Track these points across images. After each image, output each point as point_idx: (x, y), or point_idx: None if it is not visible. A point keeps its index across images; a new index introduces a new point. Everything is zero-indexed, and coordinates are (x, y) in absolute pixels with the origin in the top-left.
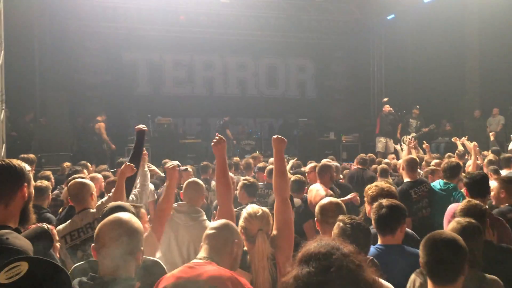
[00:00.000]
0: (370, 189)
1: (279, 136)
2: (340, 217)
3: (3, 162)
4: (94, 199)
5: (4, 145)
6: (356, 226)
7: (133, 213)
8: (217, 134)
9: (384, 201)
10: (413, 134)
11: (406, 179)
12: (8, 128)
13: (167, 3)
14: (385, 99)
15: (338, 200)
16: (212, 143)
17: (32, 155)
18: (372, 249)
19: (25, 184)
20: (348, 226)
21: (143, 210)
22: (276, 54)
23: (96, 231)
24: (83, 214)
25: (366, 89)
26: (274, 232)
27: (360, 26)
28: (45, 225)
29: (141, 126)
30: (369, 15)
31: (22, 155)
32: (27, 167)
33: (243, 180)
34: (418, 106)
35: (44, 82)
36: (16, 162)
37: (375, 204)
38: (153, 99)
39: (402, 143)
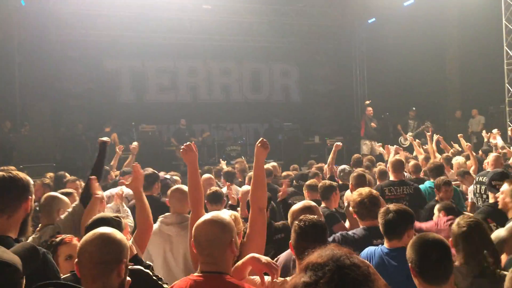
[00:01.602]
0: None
1: (264, 142)
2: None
3: (11, 174)
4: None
5: None
6: (312, 225)
7: (116, 224)
8: (191, 143)
9: (391, 206)
10: (410, 134)
11: (390, 179)
12: None
13: (148, 9)
14: (367, 101)
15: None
16: (181, 151)
17: (12, 167)
18: (378, 250)
19: (30, 197)
20: (302, 225)
21: (124, 221)
22: (259, 59)
23: (78, 246)
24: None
25: (349, 92)
26: (245, 239)
27: (342, 30)
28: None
29: (104, 138)
30: (350, 19)
31: (2, 168)
32: (31, 181)
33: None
34: (414, 108)
35: (25, 92)
36: (22, 174)
37: (383, 209)
38: (136, 107)
39: (401, 143)
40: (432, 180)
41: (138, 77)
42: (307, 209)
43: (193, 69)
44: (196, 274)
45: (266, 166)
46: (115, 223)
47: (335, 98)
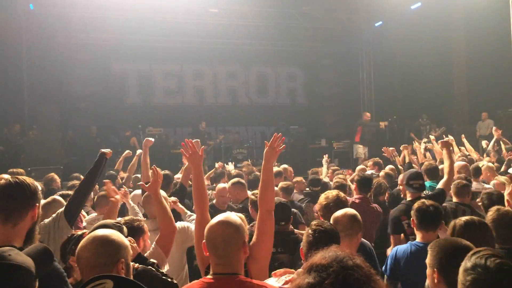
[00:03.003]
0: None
1: (274, 147)
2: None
3: (17, 180)
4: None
5: None
6: (324, 232)
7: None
8: (191, 142)
9: (427, 202)
10: (425, 140)
11: None
12: None
13: (155, 13)
14: (368, 114)
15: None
16: (188, 155)
17: (21, 170)
18: (413, 247)
19: (37, 204)
20: (314, 233)
21: (144, 225)
22: (266, 63)
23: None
24: None
25: (355, 95)
26: (254, 240)
27: (348, 34)
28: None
29: (106, 150)
30: (357, 23)
31: (10, 170)
32: (39, 187)
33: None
34: (424, 115)
35: (33, 95)
36: (30, 180)
37: (420, 203)
38: (143, 110)
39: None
40: (429, 181)
41: (145, 81)
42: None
43: (199, 73)
44: (209, 276)
45: (277, 168)
46: (116, 229)
47: (342, 101)
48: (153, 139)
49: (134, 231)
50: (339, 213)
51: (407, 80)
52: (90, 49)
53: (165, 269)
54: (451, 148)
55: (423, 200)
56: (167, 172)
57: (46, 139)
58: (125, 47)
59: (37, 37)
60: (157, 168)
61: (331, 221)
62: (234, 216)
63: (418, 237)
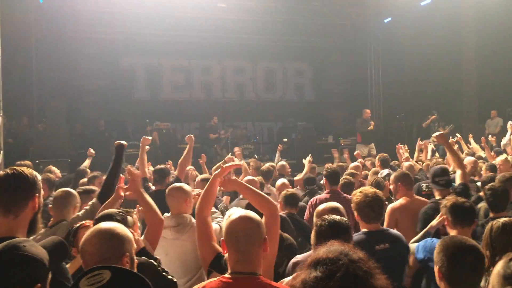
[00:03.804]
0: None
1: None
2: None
3: (15, 171)
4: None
5: (1, 152)
6: (333, 224)
7: (121, 220)
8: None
9: (459, 198)
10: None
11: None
12: (5, 135)
13: (164, 7)
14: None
15: None
16: (222, 182)
17: (28, 162)
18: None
19: (37, 194)
20: (323, 224)
21: (134, 216)
22: (273, 58)
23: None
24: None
25: (363, 92)
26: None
27: (357, 30)
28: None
29: (122, 142)
30: (366, 19)
31: (18, 162)
32: (38, 177)
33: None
34: (434, 112)
35: (41, 88)
36: (28, 171)
37: (453, 199)
38: (151, 104)
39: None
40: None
41: (153, 75)
42: (333, 210)
43: (207, 67)
44: (227, 275)
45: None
46: (119, 218)
47: (350, 97)
48: (150, 138)
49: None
50: (321, 206)
51: (416, 77)
52: (98, 43)
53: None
54: (458, 145)
55: (454, 197)
56: (162, 166)
57: (54, 132)
58: (134, 42)
59: (46, 31)
60: (132, 169)
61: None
62: (253, 213)
63: (453, 234)
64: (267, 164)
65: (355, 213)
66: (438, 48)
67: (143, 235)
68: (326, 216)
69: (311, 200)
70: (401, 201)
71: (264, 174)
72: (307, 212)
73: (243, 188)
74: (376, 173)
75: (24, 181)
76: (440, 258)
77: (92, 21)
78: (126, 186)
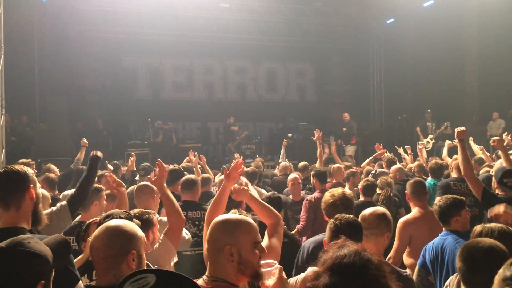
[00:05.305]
0: None
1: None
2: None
3: (6, 169)
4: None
5: (3, 150)
6: (347, 223)
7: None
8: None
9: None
10: (431, 136)
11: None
12: (7, 133)
13: (166, 7)
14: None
15: None
16: (232, 192)
17: (30, 160)
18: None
19: (31, 185)
20: (338, 223)
21: (154, 218)
22: (275, 58)
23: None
24: None
25: (365, 92)
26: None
27: (359, 30)
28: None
29: (98, 153)
30: (368, 20)
31: (21, 160)
32: (29, 170)
33: None
34: (429, 110)
35: (43, 87)
36: (18, 167)
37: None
38: (152, 104)
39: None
40: (432, 178)
41: (155, 74)
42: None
43: (209, 67)
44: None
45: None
46: (123, 217)
47: (351, 98)
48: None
49: (144, 223)
50: (367, 211)
51: (418, 78)
52: (100, 42)
53: (174, 261)
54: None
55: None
56: (176, 167)
57: (56, 131)
58: (136, 41)
59: (48, 30)
60: (162, 163)
61: (359, 219)
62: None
63: None
64: (253, 166)
65: (324, 213)
66: (440, 50)
67: (163, 234)
68: (339, 215)
69: (308, 198)
70: (414, 213)
71: (249, 175)
72: (303, 210)
73: (250, 199)
74: (369, 171)
75: (15, 175)
76: (458, 264)
77: (94, 20)
78: (154, 179)
